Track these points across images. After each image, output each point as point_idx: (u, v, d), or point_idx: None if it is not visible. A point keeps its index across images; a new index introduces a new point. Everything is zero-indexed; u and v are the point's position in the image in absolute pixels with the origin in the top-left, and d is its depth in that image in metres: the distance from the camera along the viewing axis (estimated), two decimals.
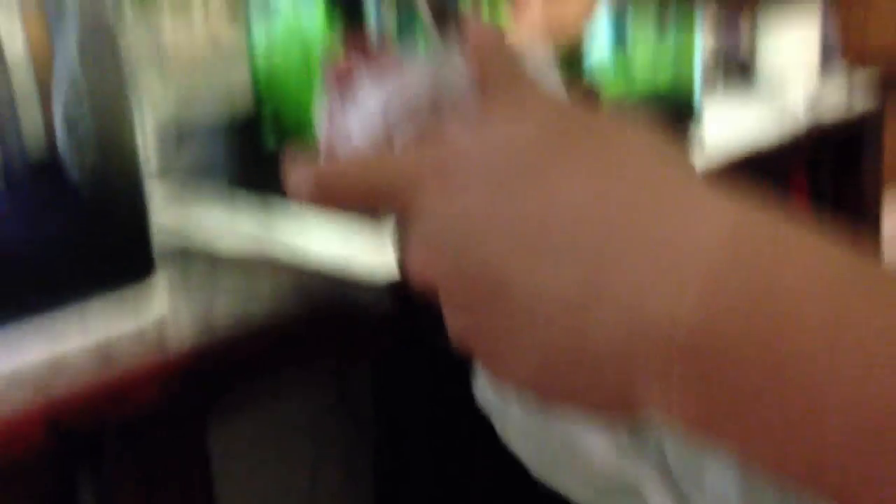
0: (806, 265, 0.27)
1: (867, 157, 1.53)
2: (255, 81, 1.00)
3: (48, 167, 0.69)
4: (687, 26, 1.16)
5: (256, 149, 1.02)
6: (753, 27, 1.45)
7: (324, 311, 0.76)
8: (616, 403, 0.30)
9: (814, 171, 1.69)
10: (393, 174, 0.33)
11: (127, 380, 0.67)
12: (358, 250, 0.88)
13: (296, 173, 0.34)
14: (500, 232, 0.30)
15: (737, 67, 1.52)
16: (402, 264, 0.33)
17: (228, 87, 0.88)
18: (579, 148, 0.31)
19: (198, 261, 0.88)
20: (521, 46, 0.38)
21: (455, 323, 0.33)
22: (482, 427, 0.42)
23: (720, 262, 0.27)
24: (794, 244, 0.28)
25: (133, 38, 0.81)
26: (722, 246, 0.27)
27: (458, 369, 1.08)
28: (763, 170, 1.30)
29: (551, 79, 0.39)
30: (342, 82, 0.38)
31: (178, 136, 1.04)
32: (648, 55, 1.19)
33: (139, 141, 0.74)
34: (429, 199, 0.32)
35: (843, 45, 1.68)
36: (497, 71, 0.35)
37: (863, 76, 1.48)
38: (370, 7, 0.84)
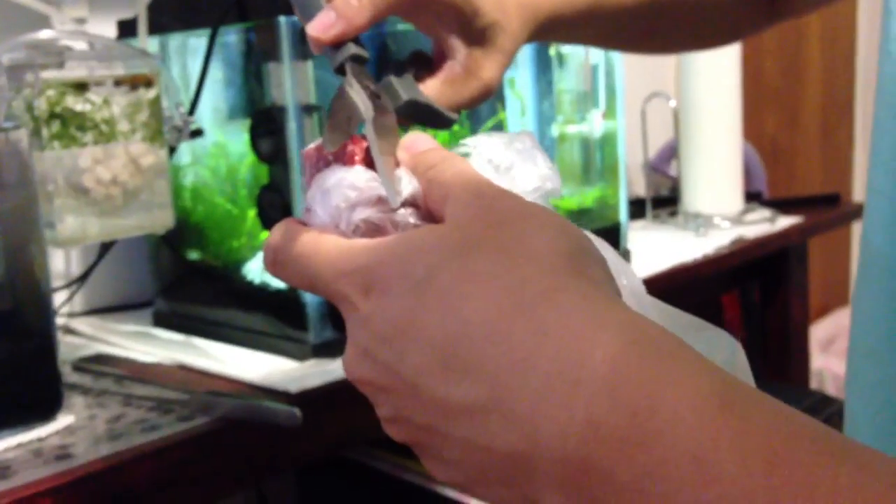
0: (683, 391, 0.28)
1: (795, 273, 1.58)
2: (179, 196, 1.01)
3: None
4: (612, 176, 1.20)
5: (180, 261, 1.02)
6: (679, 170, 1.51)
7: (236, 422, 0.75)
8: (523, 501, 0.32)
9: (743, 287, 1.73)
10: (330, 272, 0.37)
11: (25, 494, 0.64)
12: (271, 367, 0.88)
13: (267, 240, 0.40)
14: (414, 344, 0.33)
15: (663, 203, 1.58)
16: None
17: (150, 205, 0.88)
18: (489, 260, 0.33)
19: (112, 369, 0.87)
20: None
21: (382, 417, 0.36)
22: None
23: (605, 388, 0.29)
24: (676, 369, 0.29)
25: (49, 164, 0.81)
26: (610, 370, 0.29)
27: (382, 480, 1.06)
28: (692, 286, 1.32)
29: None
30: (312, 161, 0.41)
31: (102, 248, 1.04)
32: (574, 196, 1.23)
33: (53, 261, 0.74)
34: (357, 300, 0.35)
35: (770, 194, 1.75)
36: (441, 178, 0.37)
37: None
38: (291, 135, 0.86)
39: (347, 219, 0.38)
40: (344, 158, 0.40)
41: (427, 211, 0.38)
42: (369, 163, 0.40)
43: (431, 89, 0.52)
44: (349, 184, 0.39)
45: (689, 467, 0.27)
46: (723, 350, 0.37)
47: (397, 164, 0.40)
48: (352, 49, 0.46)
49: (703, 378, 0.29)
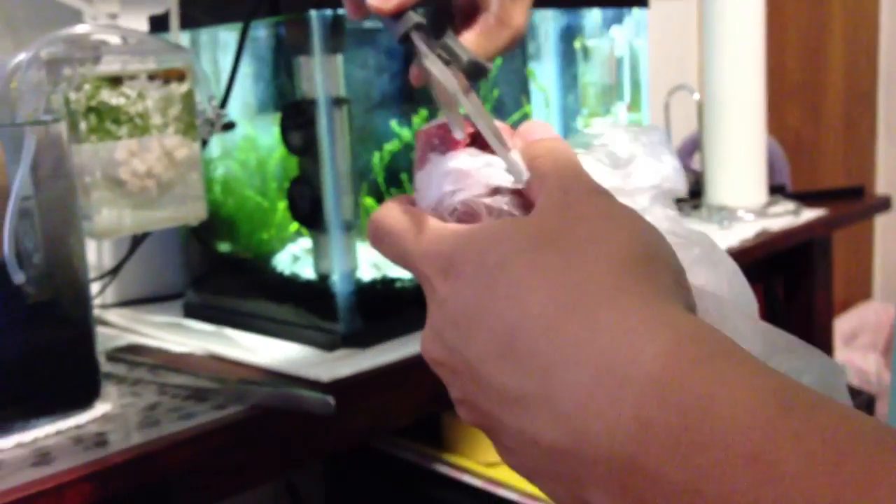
0: (739, 393, 0.28)
1: (819, 266, 1.57)
2: (210, 190, 1.02)
3: None
4: None
5: (210, 254, 1.04)
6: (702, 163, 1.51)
7: (270, 411, 0.76)
8: (571, 497, 0.32)
9: (767, 281, 1.73)
10: (417, 251, 0.39)
11: (64, 479, 0.66)
12: (302, 356, 0.89)
13: (373, 213, 0.42)
14: (479, 331, 0.35)
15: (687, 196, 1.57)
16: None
17: (183, 197, 0.89)
18: (560, 255, 0.34)
19: (146, 358, 0.88)
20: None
21: (453, 398, 0.38)
22: None
23: (656, 386, 0.29)
24: (730, 369, 0.29)
25: (86, 157, 0.82)
26: (661, 367, 0.29)
27: (407, 470, 1.07)
28: None
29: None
30: (427, 143, 0.43)
31: (133, 242, 1.05)
32: None
33: (87, 253, 0.75)
34: (437, 282, 0.37)
35: (793, 188, 1.75)
36: (541, 170, 0.39)
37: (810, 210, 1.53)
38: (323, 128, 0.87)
39: (448, 202, 0.40)
40: (451, 141, 0.41)
41: (528, 200, 0.39)
42: (478, 144, 0.41)
43: (468, 42, 0.51)
44: (453, 169, 0.40)
45: (748, 468, 0.26)
46: (815, 371, 0.36)
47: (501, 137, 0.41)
48: (414, 18, 0.46)
49: (760, 378, 0.28)
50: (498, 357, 0.34)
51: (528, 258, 0.35)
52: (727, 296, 0.38)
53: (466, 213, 0.40)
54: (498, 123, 0.42)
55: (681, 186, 0.41)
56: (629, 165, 0.41)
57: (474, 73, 0.48)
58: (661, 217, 0.39)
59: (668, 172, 0.41)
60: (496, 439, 0.36)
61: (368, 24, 0.96)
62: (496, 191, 0.40)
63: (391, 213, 0.41)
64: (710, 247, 0.39)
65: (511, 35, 0.53)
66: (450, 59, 0.46)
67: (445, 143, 0.42)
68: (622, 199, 0.37)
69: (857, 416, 0.27)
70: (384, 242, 0.42)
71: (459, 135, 0.41)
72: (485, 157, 0.40)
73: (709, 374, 0.29)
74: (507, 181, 0.39)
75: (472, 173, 0.40)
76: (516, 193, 0.40)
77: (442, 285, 0.37)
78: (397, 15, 0.47)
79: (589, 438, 0.30)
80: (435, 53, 0.45)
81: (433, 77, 0.44)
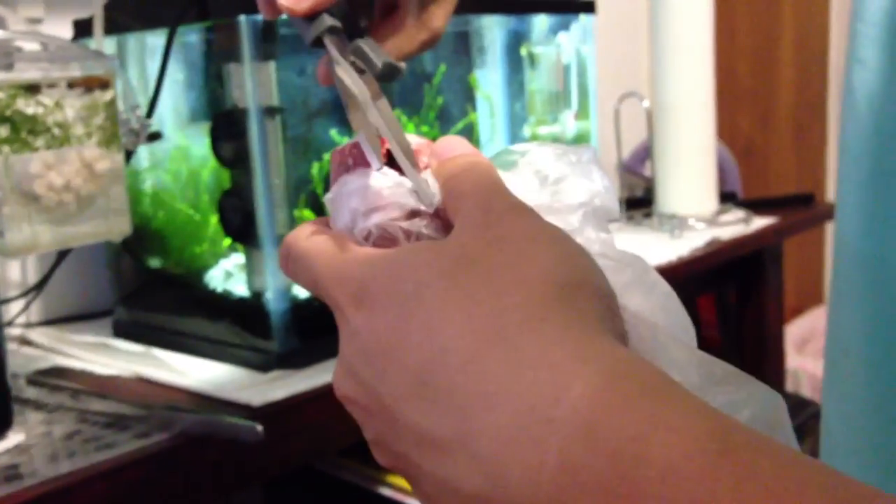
0: (674, 436, 0.25)
1: (770, 274, 1.56)
2: (139, 202, 0.97)
3: None
4: None
5: (140, 269, 0.99)
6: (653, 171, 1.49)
7: (197, 438, 0.72)
8: None
9: (719, 289, 1.72)
10: (329, 278, 0.36)
11: None
12: (234, 379, 0.85)
13: (292, 232, 0.39)
14: (393, 366, 0.32)
15: (638, 204, 1.56)
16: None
17: (105, 211, 0.85)
18: (478, 282, 0.31)
19: (69, 382, 0.83)
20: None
21: (368, 439, 0.35)
22: None
23: (583, 428, 0.26)
24: (665, 408, 0.26)
25: None
26: (588, 407, 0.26)
27: (351, 492, 1.03)
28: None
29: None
30: (341, 163, 0.40)
31: (58, 256, 1.00)
32: None
33: (6, 270, 0.71)
34: (349, 312, 0.34)
35: (744, 195, 1.74)
36: (459, 188, 0.36)
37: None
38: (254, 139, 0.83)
39: (361, 225, 0.37)
40: (366, 160, 0.38)
41: (444, 223, 0.36)
42: (391, 163, 0.38)
43: (384, 41, 0.49)
44: (367, 190, 0.37)
45: None
46: (756, 404, 0.33)
47: (417, 154, 0.38)
48: (327, 21, 0.43)
49: (697, 418, 0.26)
50: (413, 396, 0.31)
51: (445, 285, 0.31)
52: (662, 322, 0.35)
53: (383, 238, 0.37)
54: (414, 138, 0.39)
55: (613, 206, 0.38)
56: (560, 183, 0.38)
57: (388, 75, 0.45)
58: (593, 238, 0.36)
59: (600, 191, 0.38)
60: (414, 484, 0.33)
61: None
62: (414, 213, 0.36)
63: (303, 235, 0.38)
64: (644, 270, 0.36)
65: (429, 36, 0.51)
66: (363, 64, 0.43)
67: (360, 163, 0.38)
68: (551, 219, 0.34)
69: (801, 461, 0.25)
70: (295, 266, 0.38)
71: (371, 153, 0.38)
72: (401, 177, 0.37)
73: (641, 415, 0.26)
74: (422, 199, 0.36)
75: (386, 194, 0.37)
76: (436, 214, 0.36)
77: (354, 315, 0.34)
78: (310, 17, 0.44)
79: (511, 486, 0.27)
80: (348, 60, 0.42)
81: (344, 86, 0.41)
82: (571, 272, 0.31)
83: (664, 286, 0.36)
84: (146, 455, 0.69)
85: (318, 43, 0.43)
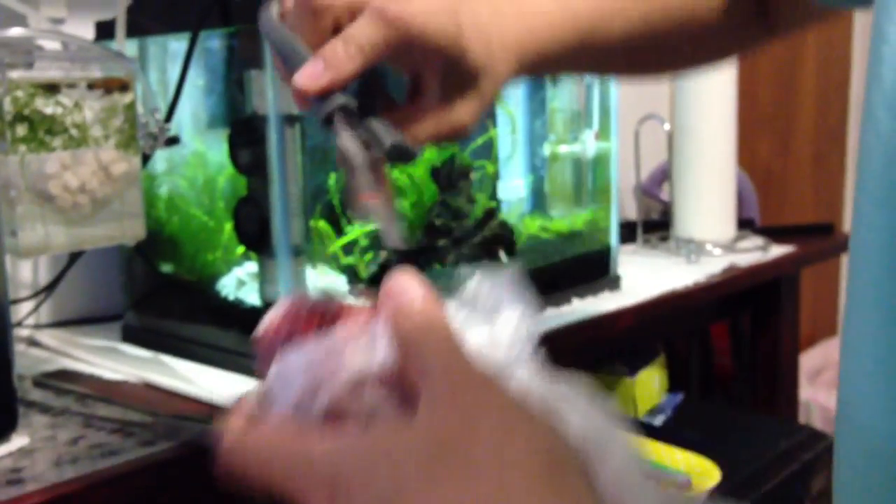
0: None
1: (786, 303, 1.55)
2: (154, 206, 0.97)
3: None
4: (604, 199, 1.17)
5: (152, 274, 0.98)
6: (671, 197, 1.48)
7: (200, 449, 0.70)
8: None
9: (733, 317, 1.70)
10: (296, 475, 0.34)
11: None
12: (242, 389, 0.83)
13: (226, 431, 0.36)
14: None
15: (654, 227, 1.54)
16: None
17: (120, 214, 0.84)
18: (460, 479, 0.30)
19: (76, 386, 0.82)
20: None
21: None
22: None
23: None
24: None
25: (13, 169, 0.77)
26: None
27: None
28: (681, 314, 1.29)
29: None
30: (270, 344, 0.38)
31: (70, 258, 0.99)
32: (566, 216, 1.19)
33: (19, 270, 0.70)
34: None
35: (762, 222, 1.72)
36: (414, 358, 0.34)
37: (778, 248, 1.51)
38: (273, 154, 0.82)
39: (310, 404, 0.35)
40: (300, 329, 0.37)
41: (401, 384, 0.34)
42: (328, 324, 0.37)
43: (399, 124, 0.49)
44: (310, 362, 0.35)
45: None
46: None
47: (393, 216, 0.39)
48: (339, 99, 0.45)
49: None
50: None
51: (426, 478, 0.30)
52: (607, 448, 0.35)
53: (336, 416, 0.34)
54: (352, 301, 0.38)
55: (535, 330, 0.38)
56: (494, 316, 0.38)
57: (398, 156, 0.46)
58: (534, 372, 0.37)
59: (525, 317, 0.38)
60: None
61: None
62: (362, 382, 0.34)
63: (242, 429, 0.36)
64: (585, 398, 0.36)
65: (450, 129, 0.51)
66: (371, 140, 0.43)
67: (294, 332, 0.37)
68: (493, 353, 0.35)
69: None
70: (247, 465, 0.36)
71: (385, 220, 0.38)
72: (344, 341, 0.36)
73: None
74: (374, 363, 0.35)
75: (330, 363, 0.35)
76: (387, 376, 0.35)
77: None
78: (324, 95, 0.45)
79: None
80: (355, 134, 0.42)
81: (344, 154, 0.41)
82: (551, 450, 0.31)
83: (606, 409, 0.36)
84: (150, 464, 0.68)
85: (329, 120, 0.43)
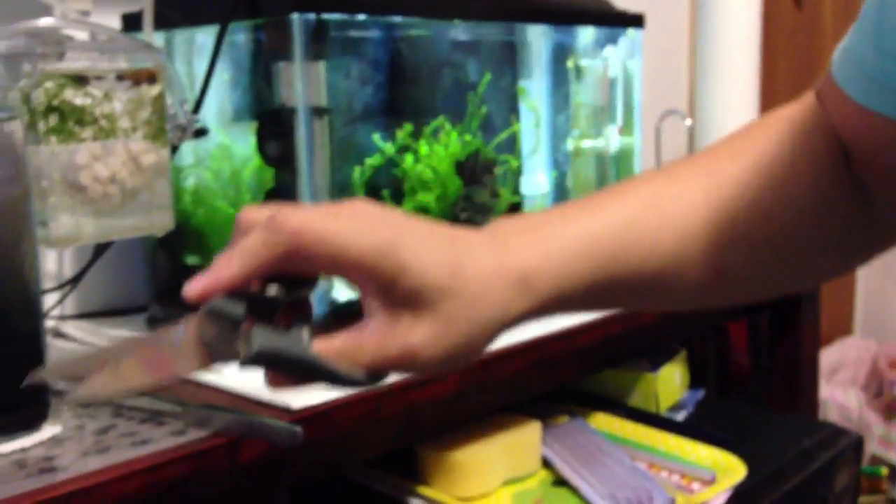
0: None
1: (806, 301, 1.54)
2: (179, 199, 0.97)
3: None
4: None
5: (178, 266, 0.98)
6: None
7: (232, 439, 0.71)
8: None
9: (751, 315, 1.69)
10: None
11: None
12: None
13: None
14: None
15: None
16: None
17: (149, 205, 0.84)
18: None
19: None
20: None
21: None
22: None
23: None
24: None
25: (44, 160, 0.77)
26: None
27: (378, 502, 1.02)
28: (698, 313, 1.28)
29: None
30: None
31: (96, 251, 1.00)
32: None
33: (46, 261, 0.70)
34: None
35: None
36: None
37: None
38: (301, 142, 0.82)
39: None
40: None
41: None
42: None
43: (336, 345, 0.48)
44: None
45: None
46: None
47: None
48: (214, 304, 0.49)
49: None
50: None
51: None
52: None
53: None
54: None
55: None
56: None
57: (280, 366, 0.50)
58: None
59: None
60: None
61: (353, 31, 0.91)
62: None
63: None
64: None
65: (399, 351, 0.47)
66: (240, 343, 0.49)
67: None
68: None
69: None
70: None
71: None
72: None
73: None
74: None
75: None
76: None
77: None
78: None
79: None
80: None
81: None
82: None
83: None
84: (182, 455, 0.68)
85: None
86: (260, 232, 0.48)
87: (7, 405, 0.69)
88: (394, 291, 0.47)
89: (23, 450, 0.68)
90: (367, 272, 0.47)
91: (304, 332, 0.48)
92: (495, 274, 0.49)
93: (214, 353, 0.48)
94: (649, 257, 0.53)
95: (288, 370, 0.49)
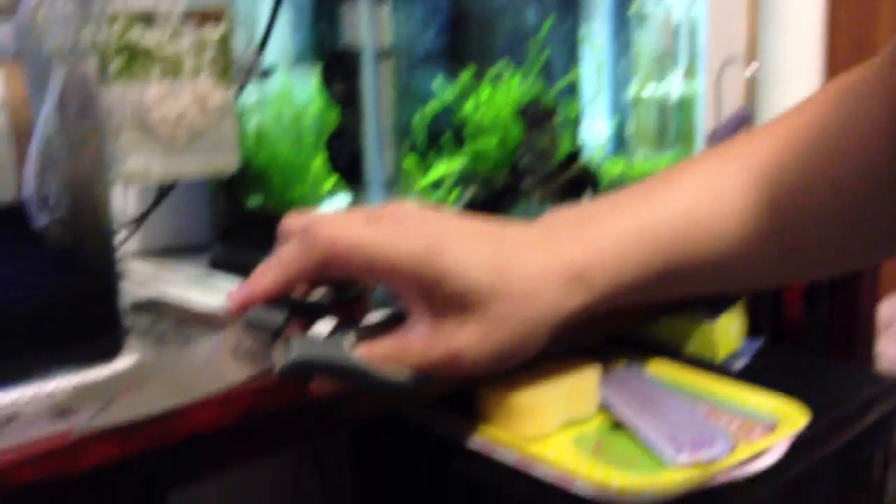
0: None
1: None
2: (242, 141, 0.97)
3: (13, 216, 0.66)
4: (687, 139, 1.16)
5: (239, 207, 0.99)
6: None
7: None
8: None
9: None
10: None
11: (84, 435, 0.62)
12: None
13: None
14: None
15: None
16: None
17: (215, 146, 0.85)
18: None
19: (170, 315, 0.84)
20: None
21: None
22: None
23: None
24: None
25: (114, 99, 0.78)
26: None
27: (438, 442, 1.03)
28: None
29: None
30: None
31: (160, 191, 1.01)
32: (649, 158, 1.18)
33: (113, 199, 0.71)
34: None
35: None
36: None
37: None
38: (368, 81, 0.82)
39: None
40: None
41: None
42: None
43: (380, 349, 0.49)
44: None
45: None
46: None
47: None
48: (248, 316, 0.50)
49: None
50: None
51: None
52: None
53: None
54: None
55: None
56: None
57: (319, 373, 0.51)
58: None
59: None
60: None
61: None
62: None
63: None
64: None
65: (444, 353, 0.47)
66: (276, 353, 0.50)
67: None
68: None
69: None
70: None
71: None
72: None
73: None
74: None
75: None
76: None
77: None
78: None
79: None
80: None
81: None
82: None
83: None
84: (256, 388, 0.69)
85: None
86: (296, 242, 0.49)
87: (84, 336, 0.70)
88: (435, 296, 0.47)
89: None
90: (407, 278, 0.47)
91: (346, 338, 0.49)
92: (545, 272, 0.49)
93: (250, 365, 0.50)
94: (711, 243, 0.52)
95: (329, 376, 0.50)
